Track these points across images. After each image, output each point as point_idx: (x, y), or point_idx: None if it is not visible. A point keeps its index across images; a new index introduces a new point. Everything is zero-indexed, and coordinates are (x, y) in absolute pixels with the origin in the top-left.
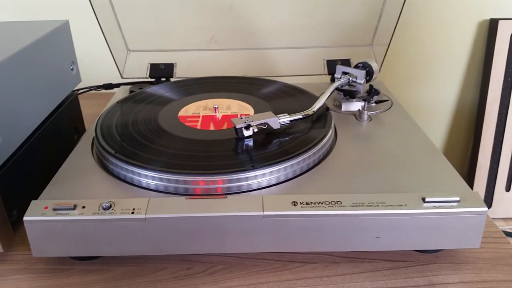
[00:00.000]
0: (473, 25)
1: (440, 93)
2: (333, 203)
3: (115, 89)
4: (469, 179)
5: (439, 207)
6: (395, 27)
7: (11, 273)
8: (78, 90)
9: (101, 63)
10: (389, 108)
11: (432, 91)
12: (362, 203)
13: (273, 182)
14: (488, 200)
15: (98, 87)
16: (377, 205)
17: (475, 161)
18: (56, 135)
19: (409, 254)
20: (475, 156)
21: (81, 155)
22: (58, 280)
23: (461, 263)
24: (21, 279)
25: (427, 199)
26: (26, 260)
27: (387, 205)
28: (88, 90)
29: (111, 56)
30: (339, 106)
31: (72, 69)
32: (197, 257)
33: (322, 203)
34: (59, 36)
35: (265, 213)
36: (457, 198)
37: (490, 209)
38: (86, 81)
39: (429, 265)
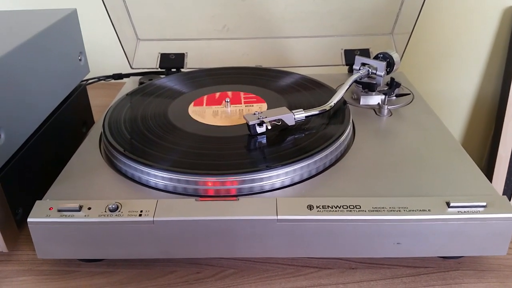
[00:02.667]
0: (497, 12)
1: (461, 82)
2: (351, 207)
3: (125, 79)
4: (488, 172)
5: (464, 213)
6: (419, 15)
7: (17, 275)
8: (87, 80)
9: (111, 52)
10: (410, 102)
11: (452, 81)
12: (383, 208)
13: (288, 182)
14: (508, 193)
15: (107, 77)
16: (399, 210)
17: (495, 153)
18: (63, 128)
19: (430, 259)
20: (495, 148)
21: (88, 151)
22: (64, 283)
23: (485, 270)
24: (26, 281)
25: (451, 204)
26: (32, 260)
27: (410, 210)
28: (97, 81)
29: (120, 46)
30: (358, 100)
31: (80, 60)
32: (206, 260)
33: (340, 207)
34: (66, 26)
35: (279, 217)
36: (484, 203)
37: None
38: (96, 70)
39: (451, 272)
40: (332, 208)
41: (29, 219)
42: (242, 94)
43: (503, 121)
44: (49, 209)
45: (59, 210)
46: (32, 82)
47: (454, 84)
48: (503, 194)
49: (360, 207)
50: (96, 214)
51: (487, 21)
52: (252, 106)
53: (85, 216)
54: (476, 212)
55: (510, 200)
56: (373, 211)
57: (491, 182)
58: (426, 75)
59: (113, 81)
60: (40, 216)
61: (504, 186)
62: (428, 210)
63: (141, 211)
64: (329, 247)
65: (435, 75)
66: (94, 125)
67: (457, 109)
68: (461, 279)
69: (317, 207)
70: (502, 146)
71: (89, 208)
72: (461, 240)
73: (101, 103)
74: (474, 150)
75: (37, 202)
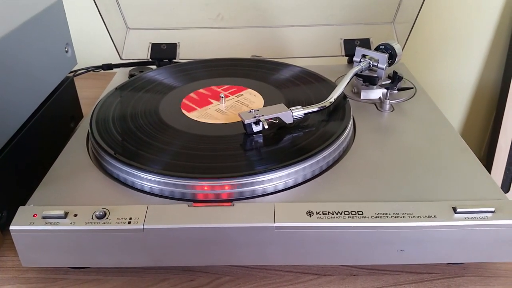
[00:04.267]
0: (499, 2)
1: (461, 72)
2: (353, 213)
3: (115, 70)
4: (487, 162)
5: (472, 219)
6: (422, 4)
7: (1, 283)
8: (75, 71)
9: (100, 40)
10: (412, 96)
11: (452, 71)
12: (386, 214)
13: (286, 186)
14: (507, 184)
15: (97, 68)
16: (403, 216)
17: (495, 144)
18: (50, 124)
19: (434, 265)
20: (494, 139)
21: (75, 151)
22: None
23: (491, 276)
24: None
25: (458, 210)
26: (17, 267)
27: (414, 216)
28: (86, 72)
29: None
30: (358, 94)
31: (66, 51)
32: (201, 267)
33: (341, 213)
34: (51, 16)
35: (277, 224)
36: (492, 209)
37: (508, 193)
38: (84, 61)
39: (456, 278)
40: (333, 214)
41: (11, 227)
42: (237, 88)
43: (503, 111)
44: (33, 216)
45: (43, 217)
46: (15, 77)
47: (454, 74)
48: (502, 185)
49: (363, 213)
50: (82, 221)
51: (489, 10)
52: (248, 101)
53: (71, 223)
54: (484, 218)
55: (509, 190)
56: (376, 217)
57: (490, 172)
58: (425, 65)
59: (102, 71)
60: (23, 224)
61: (503, 176)
62: (434, 216)
63: (130, 218)
64: (329, 255)
65: (435, 65)
66: (83, 120)
67: (457, 99)
68: (466, 286)
69: (317, 213)
70: (502, 136)
71: (75, 215)
72: (467, 246)
73: (90, 95)
74: (474, 140)
75: (20, 208)
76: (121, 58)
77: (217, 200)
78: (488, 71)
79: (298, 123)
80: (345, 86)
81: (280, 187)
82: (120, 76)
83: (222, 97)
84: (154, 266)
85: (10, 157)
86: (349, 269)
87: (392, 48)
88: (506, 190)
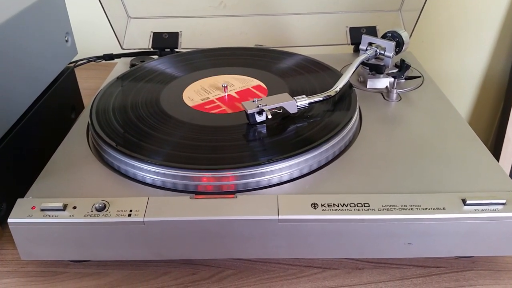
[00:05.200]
0: None
1: (469, 61)
2: (359, 205)
3: (117, 60)
4: (495, 153)
5: (482, 211)
6: None
7: (0, 276)
8: (75, 62)
9: (101, 30)
10: (420, 85)
11: (460, 60)
12: (394, 206)
13: (290, 177)
14: None
15: (97, 58)
16: (411, 208)
17: (503, 134)
18: (50, 115)
19: (442, 259)
20: (502, 129)
21: (75, 142)
22: (50, 286)
23: (502, 270)
24: (10, 283)
25: (468, 201)
26: (16, 260)
27: (422, 209)
28: (87, 62)
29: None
30: (364, 83)
31: (66, 41)
32: (203, 260)
33: (347, 206)
34: (50, 4)
35: (281, 217)
36: (503, 201)
37: None
38: (85, 51)
39: (465, 272)
40: (338, 206)
41: (9, 220)
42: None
43: (511, 100)
44: (32, 208)
45: (42, 210)
46: (13, 65)
47: (461, 64)
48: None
49: (369, 205)
50: (81, 214)
51: None
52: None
53: (70, 216)
54: (495, 211)
55: None
56: (383, 209)
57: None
58: (432, 54)
59: (104, 61)
60: (21, 216)
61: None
62: (443, 208)
63: (131, 211)
64: (335, 248)
65: (442, 54)
66: (83, 111)
67: (464, 89)
68: (475, 280)
69: (322, 205)
70: (510, 127)
71: (74, 207)
72: (477, 239)
73: (91, 85)
74: (481, 131)
75: (19, 200)
76: (122, 48)
77: (219, 192)
78: (496, 60)
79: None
80: (351, 75)
81: (284, 178)
82: (121, 66)
83: (224, 86)
84: (155, 260)
85: (9, 148)
86: (354, 262)
87: (399, 36)
88: None
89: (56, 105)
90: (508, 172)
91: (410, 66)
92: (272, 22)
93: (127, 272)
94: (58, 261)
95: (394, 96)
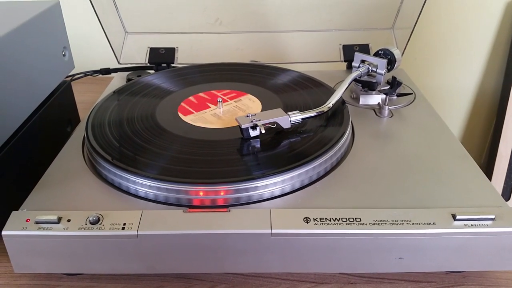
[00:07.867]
0: (499, 7)
1: (461, 78)
2: (351, 220)
3: (113, 74)
4: (488, 169)
5: (472, 226)
6: (422, 9)
7: None
8: (72, 76)
9: (98, 44)
10: (412, 102)
11: (452, 76)
12: (385, 221)
13: (283, 192)
14: (507, 192)
15: (94, 72)
16: (402, 223)
17: (495, 151)
18: (46, 128)
19: (433, 273)
20: (495, 145)
21: (70, 155)
22: None
23: (492, 285)
24: None
25: (458, 217)
26: (9, 273)
27: (413, 223)
28: (84, 76)
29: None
30: (357, 99)
31: (64, 55)
32: (196, 274)
33: (338, 220)
34: (49, 19)
35: (274, 231)
36: (492, 216)
37: (509, 201)
38: (82, 65)
39: (455, 287)
40: (330, 221)
41: (3, 232)
42: (234, 93)
43: (504, 118)
44: (26, 220)
45: (36, 222)
46: (11, 79)
47: (454, 80)
48: (503, 193)
49: (361, 220)
50: (75, 227)
51: (489, 15)
52: (245, 106)
53: (64, 229)
54: (484, 226)
55: (509, 198)
56: (374, 224)
57: (490, 180)
58: (425, 70)
59: (100, 76)
60: (15, 229)
61: (504, 184)
62: (433, 223)
63: (124, 224)
64: (327, 262)
65: (434, 71)
66: (79, 125)
67: (457, 106)
68: None
69: (314, 219)
70: (502, 143)
71: (69, 220)
72: (467, 254)
73: (88, 99)
74: (474, 148)
75: (13, 213)
76: (119, 63)
77: (213, 206)
78: (488, 77)
79: (296, 128)
80: (344, 91)
81: (277, 193)
82: (117, 81)
83: (219, 101)
84: (148, 273)
85: (5, 160)
86: (346, 277)
87: (391, 54)
88: (506, 198)
89: (53, 119)
90: (501, 188)
91: (401, 83)
92: (267, 39)
93: (120, 286)
94: (52, 274)
95: (386, 112)
